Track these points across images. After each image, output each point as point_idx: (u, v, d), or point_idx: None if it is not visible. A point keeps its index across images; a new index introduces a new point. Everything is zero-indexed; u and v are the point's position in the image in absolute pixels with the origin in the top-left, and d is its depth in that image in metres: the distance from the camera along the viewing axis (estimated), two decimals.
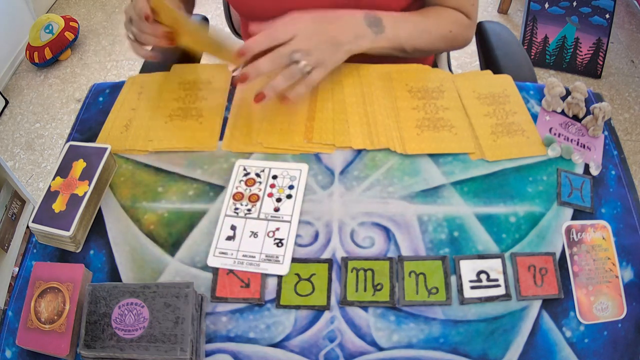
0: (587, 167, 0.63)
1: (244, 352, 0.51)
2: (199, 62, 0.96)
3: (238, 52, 0.62)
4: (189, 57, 0.87)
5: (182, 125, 0.68)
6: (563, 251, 0.56)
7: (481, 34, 0.93)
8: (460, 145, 0.64)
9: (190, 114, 0.69)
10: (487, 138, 0.65)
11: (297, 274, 0.55)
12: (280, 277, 0.55)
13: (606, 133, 0.67)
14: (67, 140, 0.66)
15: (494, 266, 0.55)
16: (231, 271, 0.55)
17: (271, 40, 0.63)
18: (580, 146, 0.65)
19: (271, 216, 0.59)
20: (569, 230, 0.58)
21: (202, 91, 0.72)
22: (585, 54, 1.91)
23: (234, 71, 0.71)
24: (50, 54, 2.06)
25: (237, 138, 0.66)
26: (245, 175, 0.63)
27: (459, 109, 0.68)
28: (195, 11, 0.91)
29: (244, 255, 0.56)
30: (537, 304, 0.53)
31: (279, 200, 0.60)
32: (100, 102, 0.74)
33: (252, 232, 0.58)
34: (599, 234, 0.58)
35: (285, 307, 0.53)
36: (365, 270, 0.55)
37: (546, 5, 1.91)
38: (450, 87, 0.71)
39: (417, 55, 0.75)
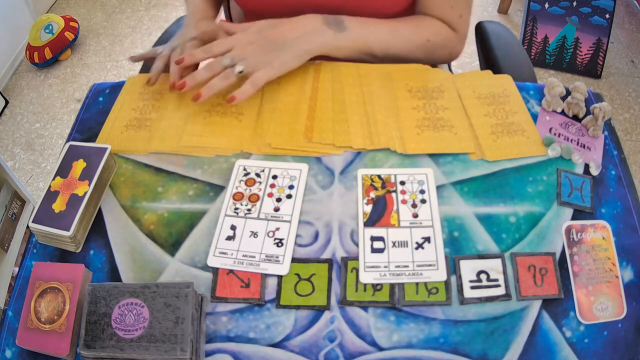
0: (587, 167, 0.63)
1: (244, 352, 0.51)
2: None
3: (177, 60, 0.68)
4: None
5: (221, 122, 0.68)
6: (563, 251, 0.56)
7: (481, 34, 0.93)
8: (460, 145, 0.64)
9: (230, 110, 0.69)
10: (487, 138, 0.65)
11: (297, 274, 0.55)
12: (280, 277, 0.55)
13: (606, 133, 0.67)
14: (67, 140, 0.66)
15: (494, 266, 0.55)
16: (231, 271, 0.55)
17: (206, 53, 0.68)
18: (580, 146, 0.65)
19: (271, 216, 0.59)
20: (569, 230, 0.58)
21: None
22: (585, 54, 1.91)
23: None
24: (50, 54, 2.06)
25: (247, 139, 0.66)
26: (245, 175, 0.63)
27: (459, 109, 0.68)
28: None
29: (244, 255, 0.56)
30: (537, 304, 0.53)
31: (279, 200, 0.60)
32: (100, 102, 0.74)
33: (252, 232, 0.58)
34: (599, 234, 0.58)
35: (285, 307, 0.53)
36: None
37: (546, 5, 1.91)
38: (450, 87, 0.71)
39: (395, 62, 0.75)
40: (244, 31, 0.70)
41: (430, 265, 0.55)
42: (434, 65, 0.94)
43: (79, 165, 0.60)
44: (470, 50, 1.83)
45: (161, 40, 0.94)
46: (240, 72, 0.66)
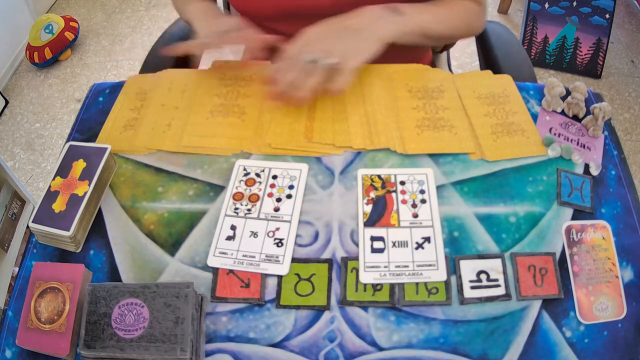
0: (587, 167, 0.63)
1: (244, 352, 0.51)
2: (196, 67, 0.96)
3: (267, 81, 0.66)
4: (184, 62, 0.87)
5: (223, 122, 0.68)
6: (563, 251, 0.56)
7: (481, 34, 0.93)
8: (460, 145, 0.64)
9: (232, 110, 0.69)
10: (487, 138, 0.65)
11: (297, 274, 0.55)
12: (280, 277, 0.55)
13: (606, 133, 0.67)
14: (67, 140, 0.66)
15: (494, 266, 0.55)
16: (231, 271, 0.55)
17: (288, 58, 0.65)
18: (580, 146, 0.65)
19: (271, 216, 0.59)
20: (569, 230, 0.58)
21: (244, 88, 0.72)
22: (585, 54, 1.91)
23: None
24: (50, 54, 2.06)
25: (247, 139, 0.66)
26: (245, 175, 0.63)
27: (459, 109, 0.68)
28: None
29: (244, 255, 0.56)
30: (537, 304, 0.53)
31: (279, 200, 0.60)
32: (100, 102, 0.74)
33: (252, 232, 0.58)
34: (599, 234, 0.58)
35: (285, 307, 0.53)
36: None
37: (546, 5, 1.91)
38: (450, 87, 0.71)
39: (439, 43, 0.78)
40: (311, 30, 0.67)
41: (430, 265, 0.55)
42: (433, 64, 0.94)
43: (79, 165, 0.60)
44: (470, 50, 1.83)
45: (161, 40, 0.94)
46: (330, 64, 0.63)
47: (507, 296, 0.53)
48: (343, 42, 0.65)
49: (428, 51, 0.92)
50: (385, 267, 0.55)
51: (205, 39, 0.73)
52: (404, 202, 0.60)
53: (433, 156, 0.64)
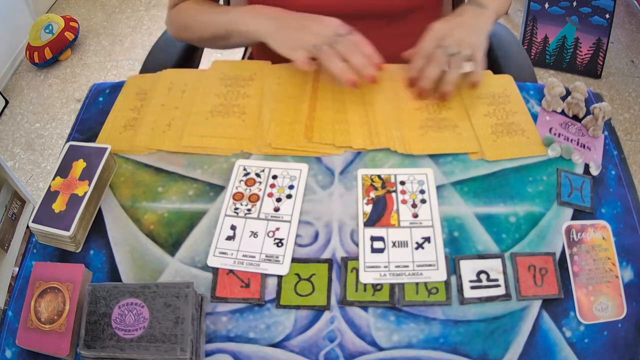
0: (587, 167, 0.63)
1: (244, 352, 0.51)
2: (197, 66, 0.96)
3: (408, 82, 0.70)
4: (183, 62, 0.87)
5: (223, 122, 0.68)
6: (563, 251, 0.56)
7: None
8: (462, 145, 0.64)
9: (232, 110, 0.69)
10: (487, 138, 0.65)
11: (297, 274, 0.55)
12: (280, 277, 0.55)
13: (606, 133, 0.67)
14: (67, 140, 0.66)
15: (494, 266, 0.55)
16: (231, 271, 0.55)
17: (423, 56, 0.68)
18: (580, 146, 0.65)
19: (271, 216, 0.59)
20: (569, 230, 0.58)
21: (245, 88, 0.72)
22: (585, 54, 1.91)
23: None
24: (50, 54, 2.06)
25: (247, 139, 0.66)
26: (245, 175, 0.63)
27: (461, 109, 0.68)
28: None
29: (244, 255, 0.56)
30: (537, 304, 0.53)
31: (279, 200, 0.60)
32: (100, 102, 0.74)
33: (252, 232, 0.58)
34: (599, 234, 0.58)
35: (285, 307, 0.53)
36: None
37: (546, 5, 1.91)
38: None
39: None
40: (437, 26, 0.70)
41: (430, 265, 0.55)
42: None
43: (79, 165, 0.60)
44: None
45: (161, 40, 0.94)
46: (467, 55, 0.66)
47: (507, 296, 0.53)
48: (467, 36, 0.68)
49: None
50: (385, 267, 0.55)
51: (323, 47, 0.65)
52: (404, 202, 0.60)
53: (433, 156, 0.64)
